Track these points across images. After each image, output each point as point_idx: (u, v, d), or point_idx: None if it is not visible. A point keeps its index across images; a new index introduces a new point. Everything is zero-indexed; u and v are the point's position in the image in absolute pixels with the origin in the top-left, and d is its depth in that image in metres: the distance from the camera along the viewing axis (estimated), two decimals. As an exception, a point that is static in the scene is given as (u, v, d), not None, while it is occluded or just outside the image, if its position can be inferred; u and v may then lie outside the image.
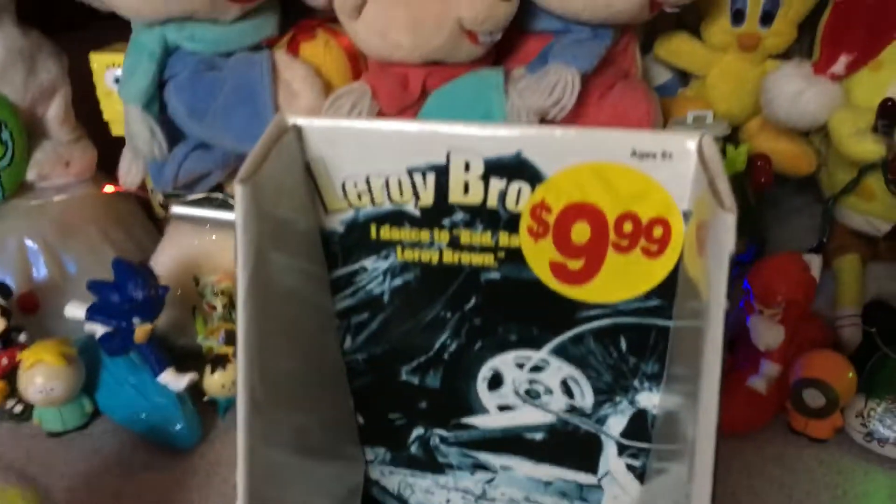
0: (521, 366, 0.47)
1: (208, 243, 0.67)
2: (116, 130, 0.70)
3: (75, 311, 0.61)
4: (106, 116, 0.70)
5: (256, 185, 0.37)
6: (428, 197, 0.42)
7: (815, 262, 0.62)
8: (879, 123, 0.59)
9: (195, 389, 0.65)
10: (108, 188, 0.69)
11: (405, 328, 0.46)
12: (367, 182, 0.42)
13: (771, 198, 0.76)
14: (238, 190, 0.36)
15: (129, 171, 0.64)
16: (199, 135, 0.61)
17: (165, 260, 0.68)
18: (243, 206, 0.37)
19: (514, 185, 0.41)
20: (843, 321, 0.67)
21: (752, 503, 0.58)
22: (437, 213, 0.43)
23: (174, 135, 0.62)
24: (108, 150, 0.71)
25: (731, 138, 0.68)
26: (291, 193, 0.42)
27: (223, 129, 0.58)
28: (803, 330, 0.64)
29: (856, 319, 0.67)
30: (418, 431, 0.50)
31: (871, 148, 0.60)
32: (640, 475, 0.49)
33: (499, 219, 0.42)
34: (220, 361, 0.63)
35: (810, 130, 0.67)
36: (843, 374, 0.61)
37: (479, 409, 0.48)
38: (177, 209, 0.66)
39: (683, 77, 0.75)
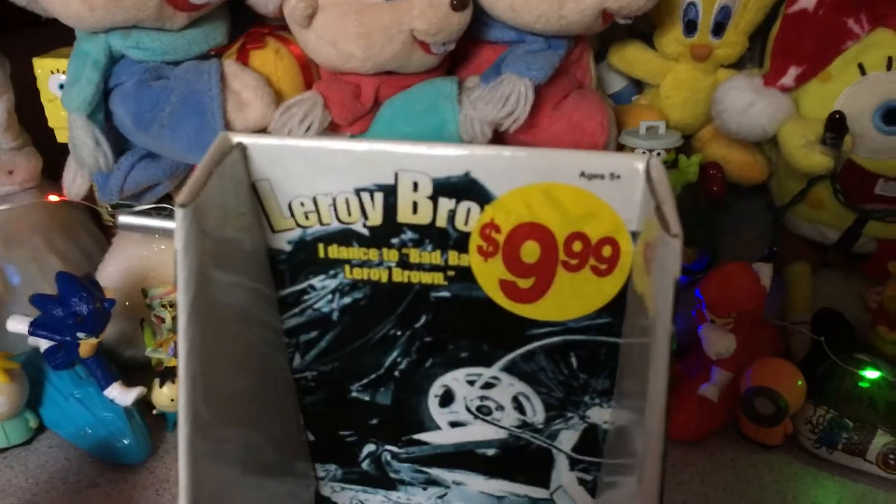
0: (472, 382, 0.46)
1: (156, 254, 0.66)
2: (62, 137, 0.68)
3: (17, 325, 0.59)
4: (51, 123, 0.68)
5: (199, 207, 0.36)
6: (376, 216, 0.42)
7: (765, 270, 0.62)
8: (827, 136, 0.60)
9: (144, 403, 0.64)
10: (53, 197, 0.68)
11: (355, 346, 0.46)
12: (315, 202, 0.42)
13: (723, 204, 0.76)
14: (178, 214, 0.35)
15: (74, 182, 0.62)
16: (145, 145, 0.59)
17: (112, 271, 0.66)
18: (184, 229, 0.36)
19: (464, 205, 0.41)
20: (794, 328, 0.68)
21: (704, 512, 0.59)
22: (386, 232, 0.42)
23: (120, 144, 0.60)
24: (53, 157, 0.69)
25: (683, 148, 0.69)
26: (236, 214, 0.41)
27: (171, 140, 0.57)
28: (754, 338, 0.65)
29: (806, 327, 0.68)
30: (369, 448, 0.50)
31: (819, 160, 0.60)
32: (592, 489, 0.49)
33: (448, 238, 0.42)
34: (169, 374, 0.62)
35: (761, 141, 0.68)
36: (793, 382, 0.62)
37: (431, 426, 0.48)
38: (124, 219, 0.65)
39: (638, 84, 0.75)
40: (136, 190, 0.61)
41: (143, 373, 0.64)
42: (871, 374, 0.61)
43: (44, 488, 0.59)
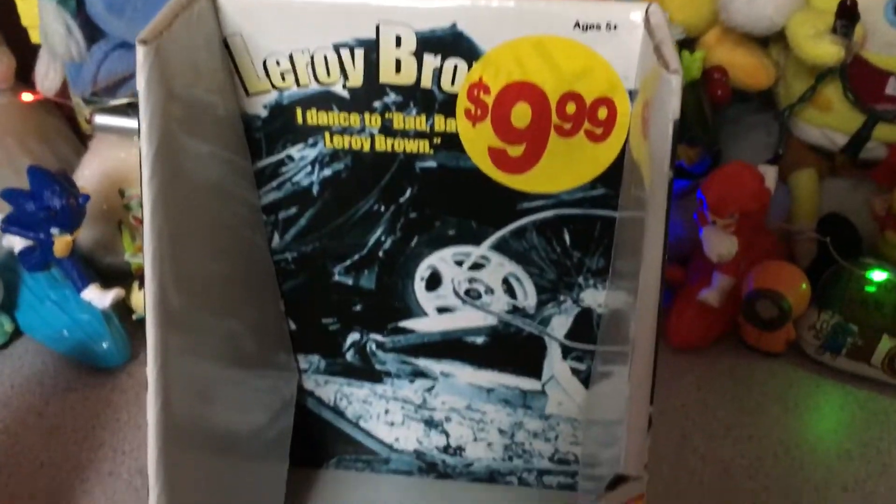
0: (460, 263, 0.44)
1: (134, 156, 0.63)
2: (35, 37, 0.65)
3: (-11, 222, 0.57)
4: (24, 21, 0.65)
5: (163, 50, 0.33)
6: (357, 77, 0.39)
7: (770, 173, 0.60)
8: (838, 24, 0.57)
9: (123, 309, 0.61)
10: (27, 96, 0.65)
11: (336, 224, 0.43)
12: (291, 60, 0.39)
13: (727, 116, 0.74)
14: (140, 53, 0.33)
15: (47, 76, 0.59)
16: (119, 32, 0.56)
17: (89, 174, 0.64)
18: (146, 72, 0.33)
19: (450, 62, 0.38)
20: (798, 236, 0.66)
21: (703, 416, 0.57)
22: (368, 94, 0.39)
23: (93, 33, 0.57)
24: (27, 58, 0.67)
25: (687, 44, 0.66)
26: (207, 72, 0.38)
27: (145, 25, 0.54)
28: (757, 243, 0.62)
29: (810, 235, 0.65)
30: (354, 337, 0.47)
31: (829, 50, 0.57)
32: (585, 379, 0.47)
33: (434, 100, 0.39)
34: (150, 277, 0.59)
35: (768, 37, 0.65)
36: (797, 285, 0.59)
37: (418, 312, 0.46)
38: (100, 119, 0.62)
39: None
40: (109, 81, 0.58)
41: (123, 281, 0.62)
42: (879, 275, 0.58)
43: (19, 392, 0.57)
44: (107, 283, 0.59)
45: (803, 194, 0.67)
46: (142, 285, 0.59)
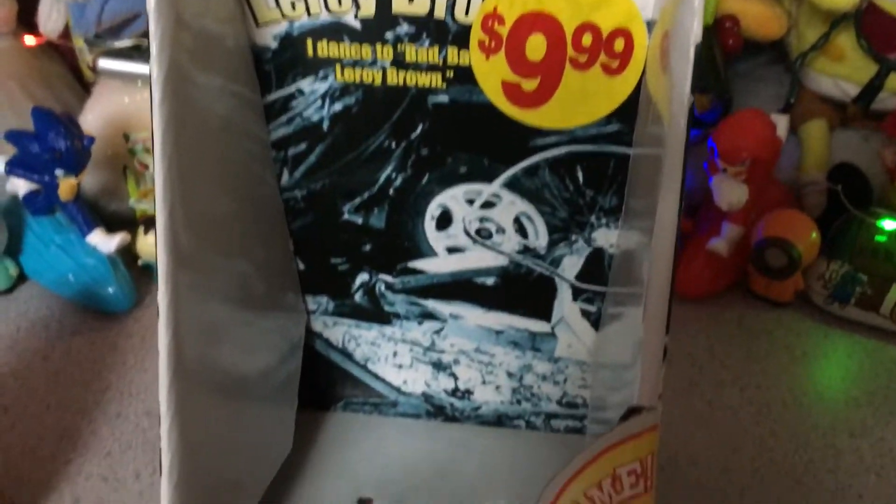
0: (471, 202, 0.44)
1: (139, 101, 0.62)
2: (38, -21, 0.64)
3: (-7, 164, 0.56)
4: (26, -36, 0.65)
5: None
6: (369, 6, 0.38)
7: (781, 121, 0.59)
8: (854, -32, 0.56)
9: (129, 256, 0.61)
10: (29, 39, 0.64)
11: (347, 160, 0.43)
12: (302, -12, 0.38)
13: (738, 70, 0.73)
14: (149, -28, 0.32)
15: (50, 17, 0.58)
16: (123, -30, 0.55)
17: (93, 118, 0.63)
18: (156, -2, 0.32)
19: (464, -9, 0.37)
20: (808, 188, 0.65)
21: (710, 363, 0.57)
22: (380, 25, 0.39)
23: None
24: (29, 1, 0.65)
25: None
26: (216, 0, 0.38)
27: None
28: (766, 194, 0.62)
29: (821, 186, 0.65)
30: (363, 277, 0.47)
31: (844, -6, 0.57)
32: (595, 322, 0.47)
33: (447, 31, 0.39)
34: (154, 222, 0.59)
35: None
36: (807, 234, 0.59)
37: (428, 252, 0.46)
38: (104, 63, 0.61)
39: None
40: (113, 21, 0.57)
41: (128, 228, 0.61)
42: (890, 224, 0.58)
43: (24, 336, 0.57)
44: (112, 230, 0.59)
45: (814, 145, 0.67)
46: (147, 230, 0.59)
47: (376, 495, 0.47)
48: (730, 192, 0.58)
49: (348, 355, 0.50)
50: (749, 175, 0.59)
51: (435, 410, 0.52)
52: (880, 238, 0.58)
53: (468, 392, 0.51)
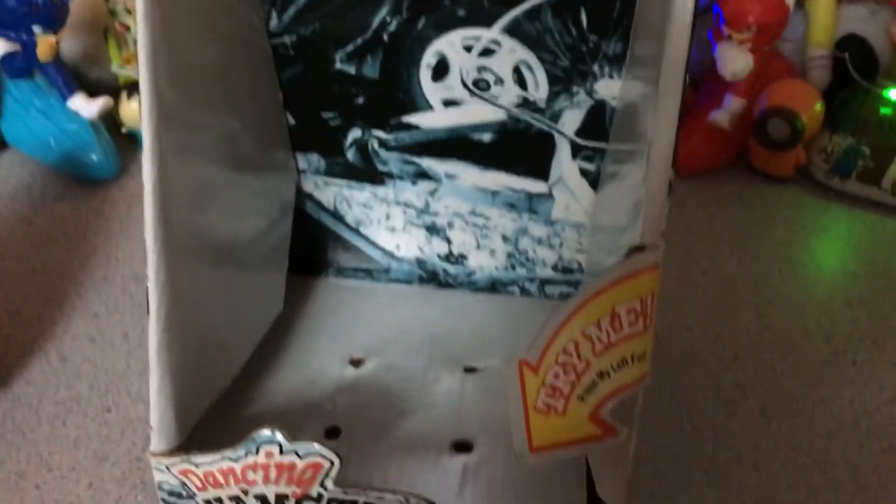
0: (469, 49, 0.42)
1: (120, -40, 0.59)
2: None
3: (-34, 21, 0.53)
4: None
5: None
6: None
7: (789, -12, 0.57)
8: None
9: (112, 123, 0.59)
10: None
11: (338, 2, 0.41)
12: None
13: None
14: None
15: None
16: None
17: (72, -22, 0.60)
18: None
19: None
20: (814, 62, 0.63)
21: (708, 236, 0.56)
22: None
23: None
24: None
25: None
26: None
27: None
28: (771, 68, 0.60)
29: (826, 60, 0.63)
30: (355, 134, 0.45)
31: None
32: (594, 181, 0.46)
33: None
34: (138, 88, 0.57)
35: None
36: (811, 105, 0.58)
37: (423, 105, 0.44)
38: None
39: None
40: None
41: (112, 96, 0.59)
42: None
43: (7, 201, 0.56)
44: (94, 97, 0.57)
45: (820, 18, 0.64)
46: (130, 96, 0.57)
47: (368, 357, 0.46)
48: (734, 60, 0.56)
49: (340, 218, 0.49)
50: (755, 44, 0.57)
51: (428, 276, 0.51)
52: (885, 110, 0.57)
53: (462, 256, 0.50)
